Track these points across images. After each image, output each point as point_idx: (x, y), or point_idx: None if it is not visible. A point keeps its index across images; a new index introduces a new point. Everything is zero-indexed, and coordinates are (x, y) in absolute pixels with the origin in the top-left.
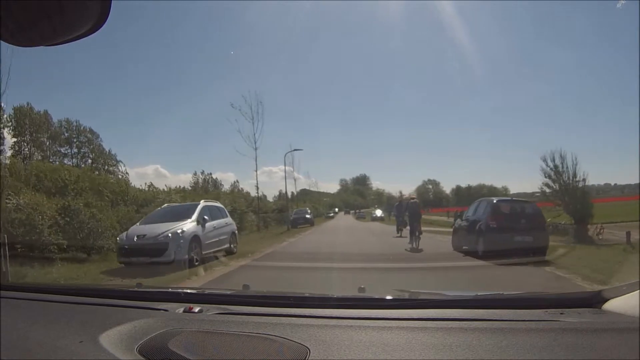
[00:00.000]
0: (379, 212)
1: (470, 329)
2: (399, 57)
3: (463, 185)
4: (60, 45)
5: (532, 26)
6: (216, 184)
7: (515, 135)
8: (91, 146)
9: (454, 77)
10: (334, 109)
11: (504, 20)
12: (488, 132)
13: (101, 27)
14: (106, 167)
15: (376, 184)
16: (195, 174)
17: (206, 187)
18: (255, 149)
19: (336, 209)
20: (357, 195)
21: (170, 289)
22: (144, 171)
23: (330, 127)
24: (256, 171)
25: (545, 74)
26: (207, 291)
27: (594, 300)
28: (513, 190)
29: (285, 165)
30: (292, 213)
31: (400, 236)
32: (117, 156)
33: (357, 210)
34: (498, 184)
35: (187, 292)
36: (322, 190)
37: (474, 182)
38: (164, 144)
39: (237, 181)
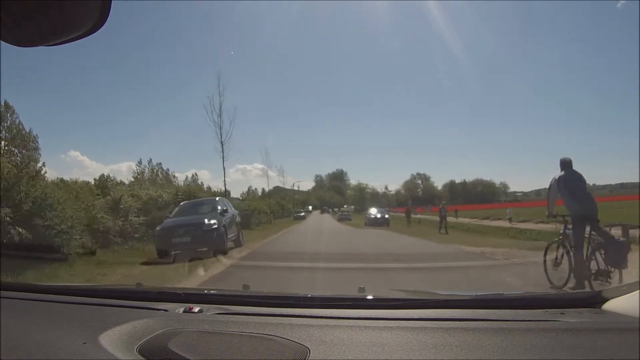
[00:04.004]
0: (374, 211)
1: (470, 329)
2: (384, 54)
3: (457, 180)
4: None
5: (529, 26)
6: (167, 175)
7: (511, 133)
8: (5, 124)
9: (446, 73)
10: (311, 107)
11: (502, 19)
12: (485, 128)
13: (101, 27)
14: (23, 150)
15: (354, 179)
16: (140, 162)
17: (154, 179)
18: (222, 144)
19: (310, 207)
20: (334, 192)
21: (170, 289)
22: (118, 168)
23: (306, 126)
24: None
25: (544, 74)
26: (207, 291)
27: (594, 300)
28: (513, 188)
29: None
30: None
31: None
32: (38, 138)
33: (339, 209)
34: (496, 180)
35: (187, 292)
36: (296, 188)
37: (469, 177)
38: (138, 141)
39: (196, 174)
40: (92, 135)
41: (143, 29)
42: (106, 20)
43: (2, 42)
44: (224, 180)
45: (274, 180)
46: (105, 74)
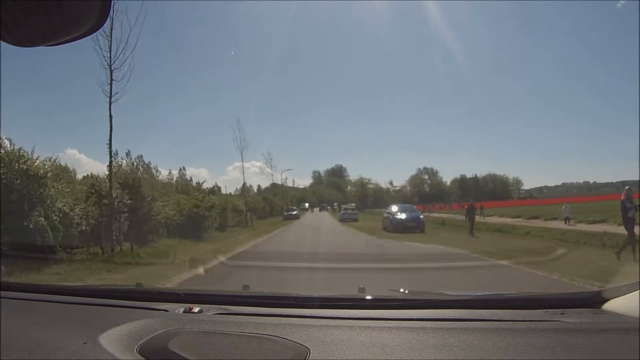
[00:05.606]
0: (396, 210)
1: (470, 329)
2: (383, 53)
3: (468, 175)
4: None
5: (532, 27)
6: (149, 169)
7: (511, 133)
8: None
9: (445, 72)
10: (310, 105)
11: (510, 19)
12: (485, 128)
13: (101, 27)
14: None
15: (354, 177)
16: (116, 153)
17: (133, 173)
18: (111, 69)
19: (306, 204)
20: (332, 189)
21: (170, 290)
22: None
23: (305, 123)
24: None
25: (545, 74)
26: (207, 291)
27: (594, 301)
28: (528, 185)
29: None
30: None
31: None
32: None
33: (339, 206)
34: (509, 175)
35: (187, 292)
36: (290, 184)
37: (481, 172)
38: (136, 140)
39: (184, 168)
40: (89, 133)
41: (142, 29)
42: (106, 20)
43: (2, 42)
44: (110, 149)
45: (271, 178)
46: (103, 72)
